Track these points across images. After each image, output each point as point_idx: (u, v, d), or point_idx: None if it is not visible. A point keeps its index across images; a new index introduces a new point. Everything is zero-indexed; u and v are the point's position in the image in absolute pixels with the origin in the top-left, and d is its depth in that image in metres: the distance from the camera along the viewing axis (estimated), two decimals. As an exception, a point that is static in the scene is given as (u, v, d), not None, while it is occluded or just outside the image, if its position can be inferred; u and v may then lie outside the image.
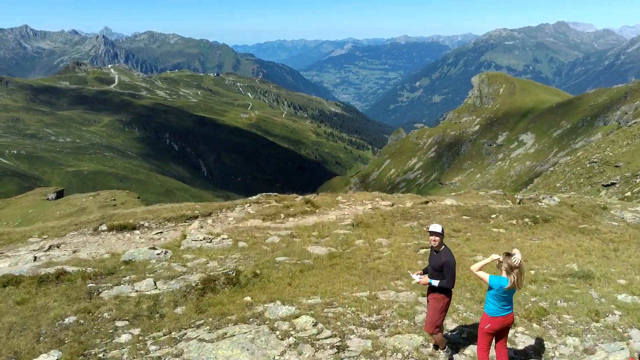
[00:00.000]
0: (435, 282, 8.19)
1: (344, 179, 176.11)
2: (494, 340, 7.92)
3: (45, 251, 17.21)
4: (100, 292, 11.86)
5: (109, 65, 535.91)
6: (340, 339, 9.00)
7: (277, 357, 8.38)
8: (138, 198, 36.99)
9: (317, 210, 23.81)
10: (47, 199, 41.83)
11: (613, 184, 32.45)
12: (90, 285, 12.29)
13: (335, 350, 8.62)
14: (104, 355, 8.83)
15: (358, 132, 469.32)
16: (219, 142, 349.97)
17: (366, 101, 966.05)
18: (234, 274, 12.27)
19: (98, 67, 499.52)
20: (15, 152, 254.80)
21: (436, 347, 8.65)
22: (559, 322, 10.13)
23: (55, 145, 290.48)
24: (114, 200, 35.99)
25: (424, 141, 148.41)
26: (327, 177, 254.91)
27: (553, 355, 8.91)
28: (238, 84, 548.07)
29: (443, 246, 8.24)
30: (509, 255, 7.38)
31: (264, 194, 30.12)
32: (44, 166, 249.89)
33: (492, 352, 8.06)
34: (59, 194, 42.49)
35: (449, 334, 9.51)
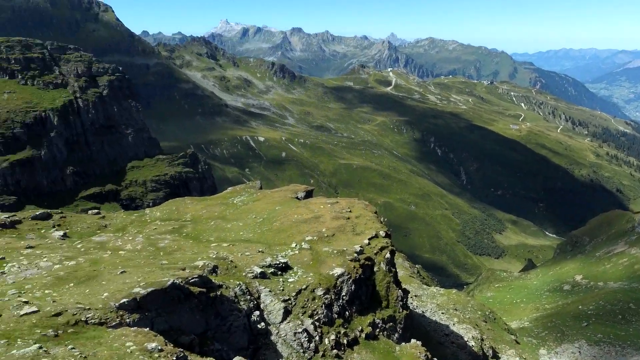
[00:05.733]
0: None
1: (625, 214, 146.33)
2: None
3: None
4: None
5: (389, 69, 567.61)
6: None
7: None
8: (375, 213, 34.20)
9: None
10: (297, 198, 42.59)
11: None
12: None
13: None
14: None
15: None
16: (483, 151, 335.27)
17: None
18: None
19: (378, 70, 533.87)
20: (302, 141, 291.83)
21: None
22: None
23: (333, 139, 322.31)
24: (350, 212, 34.05)
25: None
26: (602, 207, 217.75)
27: None
28: (512, 93, 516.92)
29: None
30: None
31: None
32: (321, 156, 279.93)
33: None
34: (308, 194, 43.01)
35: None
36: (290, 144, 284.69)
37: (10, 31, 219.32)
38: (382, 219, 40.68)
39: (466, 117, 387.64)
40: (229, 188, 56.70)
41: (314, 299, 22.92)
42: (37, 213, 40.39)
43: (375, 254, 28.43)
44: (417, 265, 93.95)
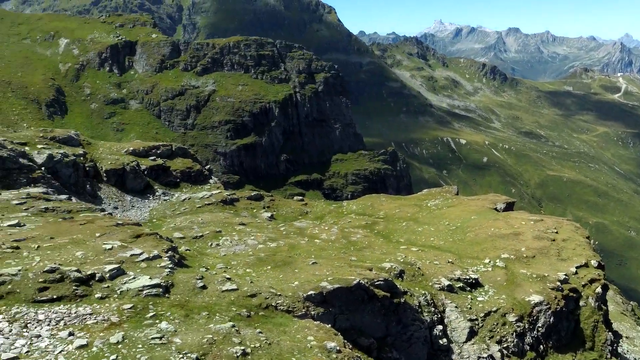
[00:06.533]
0: None
1: None
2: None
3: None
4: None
5: (618, 74, 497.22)
6: None
7: None
8: (587, 238, 30.11)
9: None
10: (495, 209, 40.05)
11: None
12: None
13: None
14: None
15: None
16: None
17: None
18: None
19: (605, 75, 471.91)
20: (506, 147, 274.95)
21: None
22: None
23: (542, 147, 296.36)
24: (556, 233, 30.54)
25: None
26: None
27: None
28: None
29: None
30: None
31: None
32: (527, 165, 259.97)
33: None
34: (509, 207, 39.91)
35: None
36: (493, 148, 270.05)
37: (251, 31, 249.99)
38: (593, 243, 35.73)
39: None
40: (425, 190, 55.94)
41: (504, 324, 21.03)
42: (252, 194, 45.28)
43: (583, 285, 24.90)
44: (631, 302, 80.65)
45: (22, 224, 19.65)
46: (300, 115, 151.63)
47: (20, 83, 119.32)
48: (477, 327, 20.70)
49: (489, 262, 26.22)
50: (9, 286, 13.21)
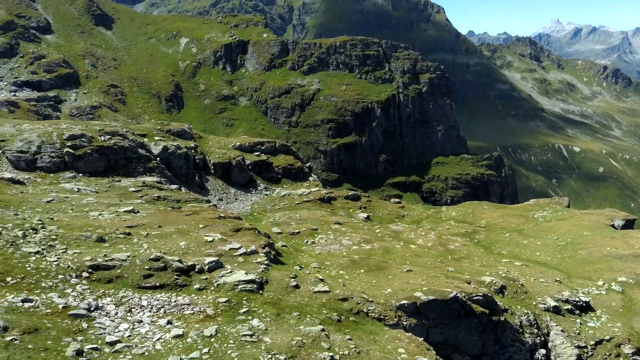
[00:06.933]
0: None
1: None
2: None
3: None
4: None
5: None
6: None
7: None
8: None
9: None
10: (612, 225, 36.70)
11: None
12: None
13: None
14: None
15: None
16: None
17: None
18: None
19: None
20: (627, 157, 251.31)
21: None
22: None
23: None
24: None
25: None
26: None
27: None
28: None
29: None
30: None
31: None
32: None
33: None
34: (628, 224, 36.27)
35: None
36: (611, 158, 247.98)
37: (358, 31, 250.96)
38: None
39: None
40: (532, 200, 52.75)
41: (618, 355, 19.02)
42: (349, 194, 45.32)
43: None
44: None
45: (136, 211, 21.18)
46: (402, 115, 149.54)
47: (144, 79, 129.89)
48: (585, 355, 18.91)
49: (603, 284, 23.90)
50: (118, 271, 14.22)
